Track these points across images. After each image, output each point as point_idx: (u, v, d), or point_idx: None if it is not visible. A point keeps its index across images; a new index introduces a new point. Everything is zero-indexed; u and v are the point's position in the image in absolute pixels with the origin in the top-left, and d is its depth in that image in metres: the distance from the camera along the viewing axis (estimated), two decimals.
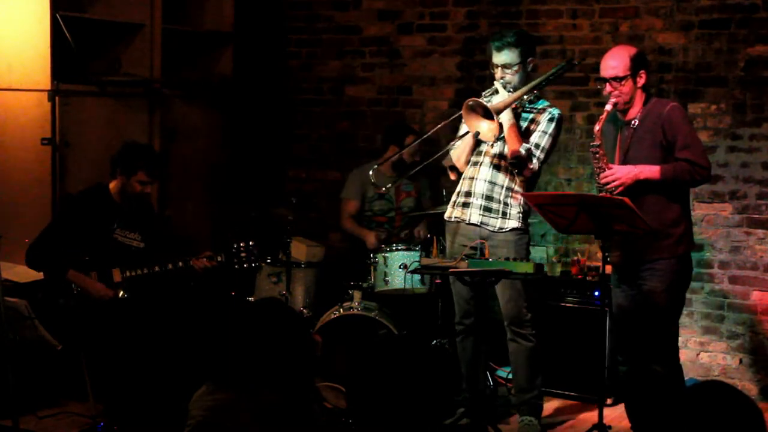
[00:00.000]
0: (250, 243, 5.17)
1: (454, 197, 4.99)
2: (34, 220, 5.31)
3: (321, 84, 6.91)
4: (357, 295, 5.47)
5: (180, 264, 5.07)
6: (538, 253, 6.15)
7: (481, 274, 4.49)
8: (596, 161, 4.51)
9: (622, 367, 4.78)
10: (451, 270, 4.58)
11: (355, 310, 5.36)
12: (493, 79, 4.86)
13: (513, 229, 4.84)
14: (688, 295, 4.98)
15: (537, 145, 4.78)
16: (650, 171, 4.44)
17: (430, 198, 6.16)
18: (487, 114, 4.61)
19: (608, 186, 4.45)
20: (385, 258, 5.38)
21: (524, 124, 4.83)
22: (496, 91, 4.82)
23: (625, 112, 4.57)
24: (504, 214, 4.84)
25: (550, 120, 4.81)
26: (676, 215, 4.51)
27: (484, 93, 4.92)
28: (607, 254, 4.51)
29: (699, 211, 5.74)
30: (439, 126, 4.99)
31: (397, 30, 6.63)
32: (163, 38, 6.06)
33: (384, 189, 5.54)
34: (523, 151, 4.70)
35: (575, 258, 5.99)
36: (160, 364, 4.90)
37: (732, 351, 5.74)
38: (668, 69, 5.82)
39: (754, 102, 5.63)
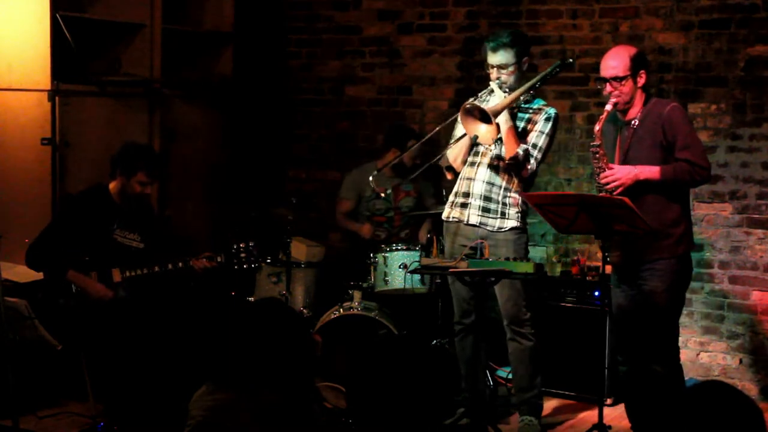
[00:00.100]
0: (250, 243, 5.17)
1: (451, 197, 4.99)
2: (34, 220, 5.31)
3: (321, 84, 6.91)
4: (357, 295, 5.47)
5: (180, 264, 5.07)
6: (538, 253, 6.15)
7: (481, 274, 4.49)
8: (596, 161, 4.51)
9: (622, 367, 4.79)
10: (451, 270, 4.58)
11: (355, 310, 5.36)
12: (489, 79, 4.86)
13: (512, 229, 4.84)
14: (688, 295, 4.98)
15: (534, 145, 4.78)
16: (650, 171, 4.44)
17: (432, 195, 6.16)
18: (485, 117, 4.60)
19: (608, 186, 4.45)
20: (385, 258, 5.39)
21: (521, 124, 4.83)
22: (492, 92, 4.82)
23: (625, 112, 4.57)
24: (503, 214, 4.84)
25: (547, 119, 4.81)
26: (676, 215, 4.51)
27: (480, 94, 4.92)
28: (607, 254, 4.51)
29: (699, 211, 5.74)
30: (439, 128, 4.99)
31: (397, 30, 6.63)
32: (163, 38, 6.06)
33: (383, 194, 5.53)
34: (521, 152, 4.71)
35: (575, 258, 5.99)
36: (160, 364, 4.90)
37: (732, 351, 5.74)
38: (668, 69, 5.82)
39: (754, 102, 5.63)
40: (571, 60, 4.91)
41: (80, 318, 4.89)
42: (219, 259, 5.14)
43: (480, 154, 4.88)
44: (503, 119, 4.70)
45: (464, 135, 4.78)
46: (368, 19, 6.72)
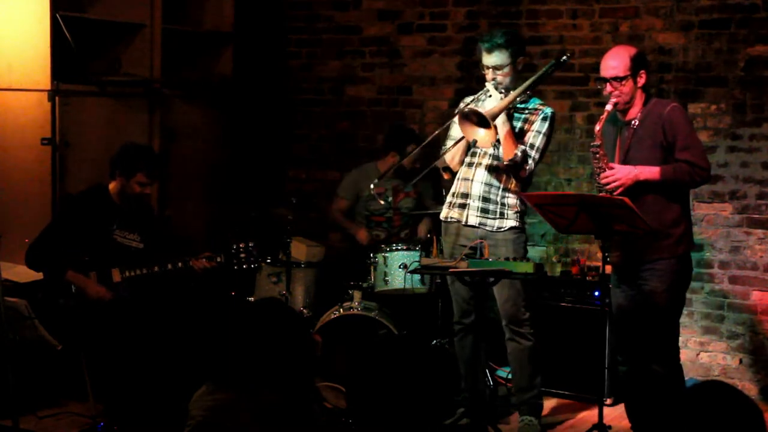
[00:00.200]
0: (250, 244, 5.17)
1: (449, 198, 4.99)
2: (34, 220, 5.31)
3: (321, 84, 6.91)
4: (357, 295, 5.47)
5: (179, 264, 5.07)
6: (538, 253, 6.16)
7: (480, 274, 4.49)
8: (596, 161, 4.51)
9: (622, 367, 4.78)
10: (451, 270, 4.58)
11: (355, 310, 5.36)
12: (485, 79, 4.86)
13: (511, 229, 4.84)
14: (688, 295, 4.97)
15: (532, 146, 4.78)
16: (650, 172, 4.44)
17: (432, 196, 6.16)
18: (483, 121, 4.60)
19: (608, 187, 4.45)
20: (385, 258, 5.38)
21: (518, 125, 4.83)
22: (489, 93, 4.81)
23: (625, 112, 4.57)
24: (501, 214, 4.84)
25: (544, 119, 4.81)
26: (676, 215, 4.51)
27: (476, 96, 4.91)
28: (606, 254, 4.51)
29: (699, 211, 5.74)
30: (439, 131, 4.98)
31: (397, 30, 6.63)
32: (163, 38, 6.06)
33: (382, 202, 5.52)
34: (519, 154, 4.71)
35: (575, 258, 5.99)
36: (160, 364, 4.90)
37: (732, 351, 5.74)
38: (668, 69, 5.82)
39: (754, 102, 5.63)
40: (565, 57, 4.85)
41: (80, 318, 4.89)
42: (219, 259, 5.14)
43: (477, 155, 4.88)
44: (501, 121, 4.69)
45: (462, 138, 4.78)
46: (368, 19, 6.72)
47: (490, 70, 4.78)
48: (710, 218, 5.77)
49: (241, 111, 6.75)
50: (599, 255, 5.13)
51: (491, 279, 4.55)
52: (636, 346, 4.65)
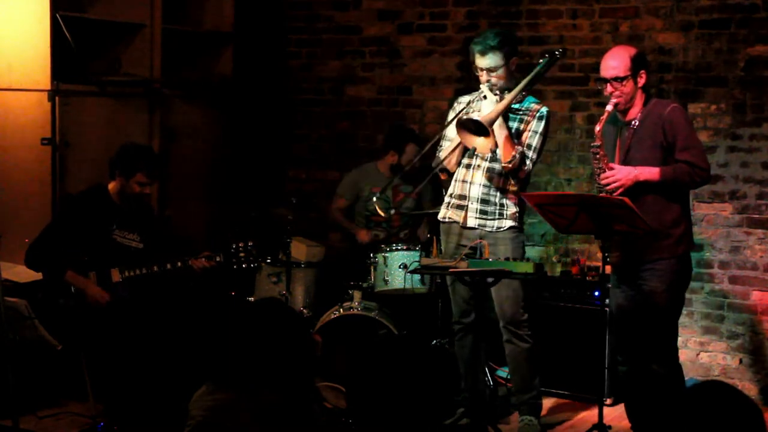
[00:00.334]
0: (249, 243, 5.17)
1: (447, 198, 4.99)
2: (34, 220, 5.31)
3: (321, 84, 6.91)
4: (357, 295, 5.48)
5: (179, 264, 5.07)
6: (538, 253, 6.16)
7: (480, 274, 4.49)
8: (597, 162, 4.51)
9: (622, 367, 4.78)
10: (451, 270, 4.58)
11: (355, 310, 5.36)
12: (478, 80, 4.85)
13: (510, 228, 4.84)
14: (688, 295, 4.98)
15: (529, 146, 4.78)
16: (650, 172, 4.44)
17: (430, 201, 6.16)
18: (481, 129, 4.59)
19: (608, 187, 4.45)
20: (385, 258, 5.38)
21: (514, 125, 4.83)
22: (484, 96, 4.81)
23: (625, 112, 4.57)
24: (500, 214, 4.84)
25: (540, 119, 4.81)
26: (676, 215, 4.51)
27: (471, 98, 4.91)
28: (606, 254, 4.51)
29: (699, 211, 5.74)
30: (438, 137, 4.98)
31: (397, 30, 6.63)
32: (163, 38, 6.06)
33: (383, 214, 5.50)
34: (517, 156, 4.71)
35: (575, 258, 5.99)
36: (159, 364, 4.90)
37: (732, 351, 5.74)
38: (668, 69, 5.82)
39: (754, 102, 5.63)
40: (558, 52, 4.80)
41: (80, 318, 4.89)
42: (218, 259, 5.13)
43: (475, 156, 4.87)
44: (498, 125, 4.69)
45: (460, 142, 4.78)
46: (368, 19, 6.72)
47: (484, 72, 4.77)
48: (710, 218, 5.77)
49: (241, 111, 6.75)
50: (599, 255, 5.13)
51: (491, 279, 4.55)
52: (636, 346, 4.65)
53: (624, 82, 4.48)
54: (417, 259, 4.97)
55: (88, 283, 4.96)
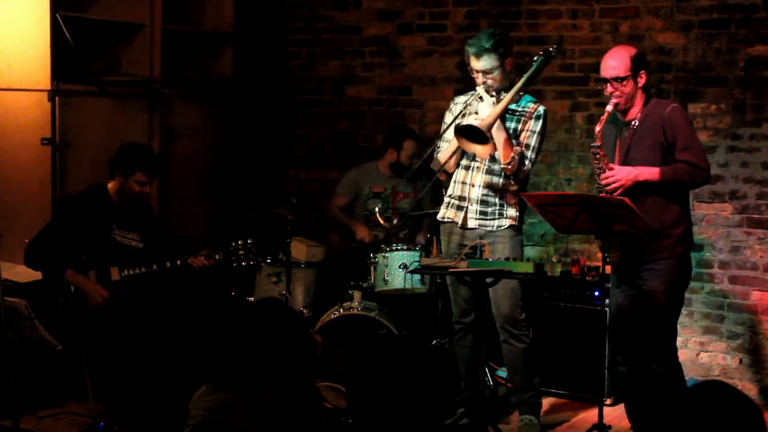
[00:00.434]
0: (248, 241, 5.16)
1: (447, 198, 5.00)
2: (34, 220, 5.31)
3: (321, 84, 6.91)
4: (357, 295, 5.47)
5: (178, 262, 5.07)
6: (538, 253, 6.16)
7: (480, 274, 4.49)
8: (597, 162, 4.51)
9: (622, 367, 4.78)
10: (450, 270, 4.58)
11: (355, 310, 5.36)
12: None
13: (509, 227, 4.84)
14: (688, 295, 4.97)
15: (528, 146, 4.79)
16: (650, 173, 4.44)
17: (430, 201, 6.16)
18: (480, 135, 4.58)
19: (608, 188, 4.45)
20: (385, 258, 5.38)
21: (512, 125, 4.83)
22: (480, 98, 4.81)
23: (625, 112, 4.57)
24: (500, 214, 4.85)
25: (537, 118, 4.81)
26: (676, 215, 4.51)
27: (467, 99, 4.90)
28: (606, 254, 4.51)
29: (699, 211, 5.74)
30: (438, 142, 4.97)
31: (397, 30, 6.63)
32: (163, 38, 6.06)
33: (387, 225, 5.49)
34: (516, 157, 4.71)
35: (575, 258, 5.99)
36: (160, 364, 4.90)
37: (732, 351, 5.74)
38: (668, 69, 5.82)
39: (754, 102, 5.63)
40: (552, 49, 4.77)
41: (80, 318, 4.89)
42: (217, 257, 5.12)
43: (474, 157, 4.87)
44: (496, 128, 4.68)
45: (459, 147, 4.78)
46: (368, 19, 6.72)
47: (480, 73, 4.77)
48: (710, 218, 5.77)
49: (241, 111, 6.75)
50: (599, 255, 5.13)
51: (490, 279, 4.55)
52: (636, 346, 4.65)
53: (624, 82, 4.48)
54: (417, 259, 4.96)
55: (87, 281, 4.96)
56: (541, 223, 5.87)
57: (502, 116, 4.74)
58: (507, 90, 4.75)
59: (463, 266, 4.55)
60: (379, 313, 5.34)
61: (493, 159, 4.81)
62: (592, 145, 4.51)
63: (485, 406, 5.11)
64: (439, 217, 5.02)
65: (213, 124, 6.58)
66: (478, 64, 4.75)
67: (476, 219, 4.86)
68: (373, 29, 6.71)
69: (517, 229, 4.88)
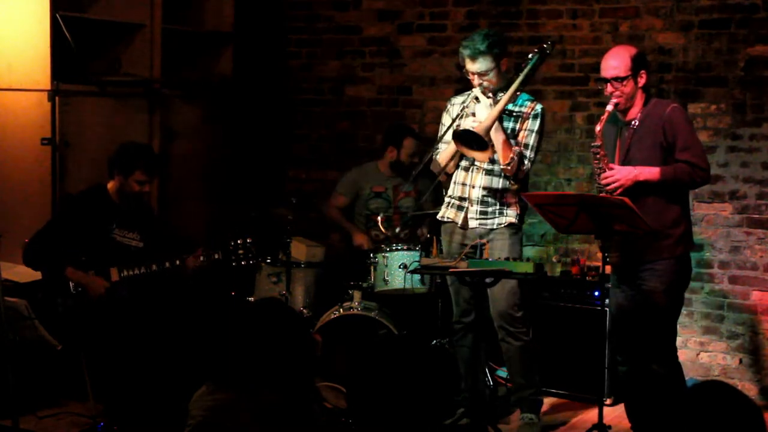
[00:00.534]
0: (248, 240, 5.16)
1: (447, 198, 5.00)
2: (34, 220, 5.30)
3: (321, 84, 6.91)
4: (357, 295, 5.47)
5: (177, 262, 5.06)
6: (538, 253, 6.16)
7: (480, 274, 4.49)
8: (597, 161, 4.51)
9: (622, 367, 4.79)
10: (451, 270, 4.58)
11: (355, 310, 5.36)
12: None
13: (509, 225, 4.85)
14: (687, 295, 4.97)
15: (526, 145, 4.79)
16: (650, 172, 4.44)
17: (431, 201, 6.16)
18: (479, 140, 4.58)
19: (608, 188, 4.45)
20: (385, 258, 5.38)
21: (510, 125, 4.82)
22: (477, 100, 4.80)
23: (625, 112, 4.57)
24: (501, 213, 4.86)
25: (535, 117, 4.81)
26: (676, 216, 4.51)
27: (464, 99, 4.90)
28: (606, 254, 4.51)
29: (699, 211, 5.74)
30: (438, 144, 4.98)
31: (397, 30, 6.63)
32: (163, 38, 6.05)
33: (392, 233, 5.49)
34: (515, 158, 4.71)
35: (575, 258, 5.99)
36: (160, 364, 4.90)
37: (732, 351, 5.74)
38: (668, 69, 5.82)
39: (754, 102, 5.63)
40: (547, 45, 4.76)
41: (80, 318, 4.89)
42: (216, 256, 5.12)
43: (474, 159, 4.87)
44: (494, 129, 4.68)
45: (458, 151, 4.79)
46: (368, 19, 6.72)
47: (476, 75, 4.77)
48: (710, 218, 5.77)
49: (241, 111, 6.75)
50: (599, 255, 5.13)
51: (490, 279, 4.56)
52: (636, 346, 4.65)
53: (624, 82, 4.48)
54: (417, 259, 4.97)
55: (86, 275, 4.95)
56: (541, 223, 5.87)
57: (500, 117, 4.74)
58: (504, 90, 4.75)
59: (463, 266, 4.55)
60: (379, 313, 5.34)
61: (492, 160, 4.81)
62: (592, 144, 4.51)
63: (485, 406, 5.11)
64: (439, 216, 5.03)
65: (213, 124, 6.58)
66: (474, 66, 4.74)
67: (477, 219, 4.87)
68: (373, 29, 6.71)
69: (516, 227, 4.88)
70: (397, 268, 5.33)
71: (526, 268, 4.49)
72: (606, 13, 5.98)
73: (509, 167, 4.73)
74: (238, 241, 5.14)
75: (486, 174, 4.85)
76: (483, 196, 4.85)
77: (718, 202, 5.74)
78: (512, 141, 4.78)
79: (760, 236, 5.65)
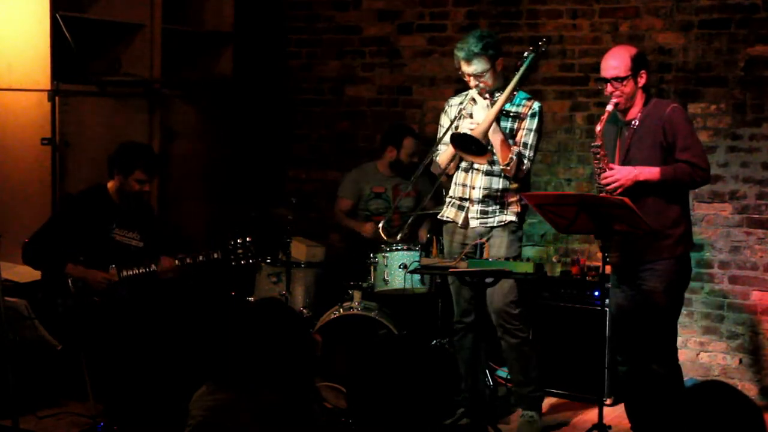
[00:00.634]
0: (247, 239, 5.16)
1: (448, 198, 5.01)
2: (34, 220, 5.30)
3: (321, 84, 6.91)
4: (357, 295, 5.47)
5: (176, 262, 5.06)
6: (538, 253, 6.16)
7: (480, 274, 4.49)
8: (597, 161, 4.51)
9: (622, 367, 4.79)
10: (451, 270, 4.59)
11: (355, 310, 5.36)
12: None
13: (510, 223, 4.85)
14: (687, 295, 4.97)
15: (525, 144, 4.79)
16: (650, 172, 4.44)
17: (431, 201, 6.16)
18: (477, 144, 4.58)
19: (608, 188, 4.45)
20: (385, 258, 5.38)
21: (508, 125, 4.82)
22: (474, 101, 4.80)
23: (625, 112, 4.57)
24: (501, 212, 4.86)
25: (533, 116, 4.81)
26: (676, 216, 4.51)
27: (461, 101, 4.90)
28: (606, 254, 4.51)
29: (699, 211, 5.74)
30: (436, 145, 4.98)
31: (397, 30, 6.63)
32: (163, 38, 6.05)
33: (393, 239, 5.49)
34: (514, 158, 4.71)
35: (575, 258, 5.99)
36: (160, 364, 4.90)
37: (732, 351, 5.74)
38: (668, 69, 5.82)
39: (754, 102, 5.63)
40: (542, 43, 4.75)
41: (80, 318, 4.89)
42: (215, 256, 5.12)
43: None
44: (492, 130, 4.68)
45: (456, 155, 4.79)
46: (368, 19, 6.72)
47: (472, 77, 4.77)
48: (710, 218, 5.77)
49: (241, 111, 6.75)
50: (599, 255, 5.13)
51: (490, 279, 4.56)
52: (636, 346, 4.65)
53: (624, 82, 4.48)
54: (417, 259, 4.97)
55: (87, 270, 4.94)
56: (541, 223, 5.87)
57: (498, 117, 4.74)
58: (501, 90, 4.75)
59: (463, 266, 4.55)
60: (379, 313, 5.34)
61: (492, 161, 4.81)
62: (592, 144, 4.51)
63: (485, 406, 5.11)
64: (440, 216, 5.03)
65: (213, 124, 6.58)
66: (469, 68, 4.74)
67: (477, 218, 4.87)
68: (373, 29, 6.71)
69: (517, 225, 4.89)
70: (397, 268, 5.33)
71: (526, 268, 4.49)
72: (606, 13, 5.98)
73: (509, 167, 4.73)
74: (238, 241, 5.14)
75: (486, 175, 4.85)
76: (483, 196, 4.85)
77: (718, 202, 5.74)
78: (511, 141, 4.78)
79: (760, 236, 5.65)
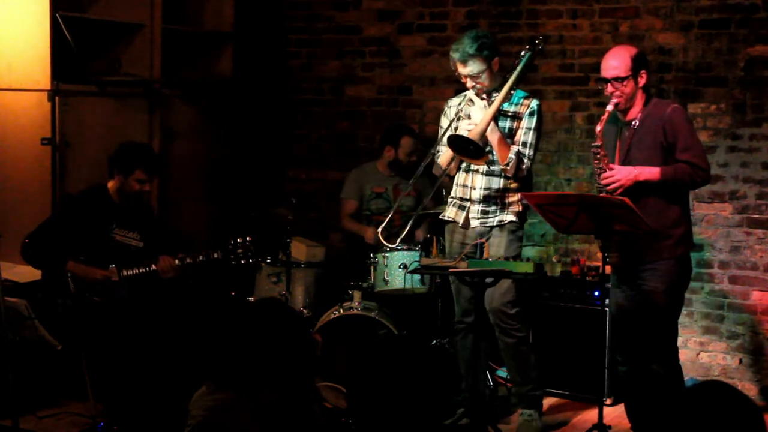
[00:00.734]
0: (247, 239, 5.16)
1: (450, 198, 5.02)
2: (34, 220, 5.30)
3: (321, 84, 6.91)
4: (357, 295, 5.47)
5: (176, 262, 5.05)
6: (538, 253, 6.16)
7: (480, 274, 4.49)
8: (597, 162, 4.51)
9: (622, 367, 4.79)
10: (451, 270, 4.59)
11: (355, 310, 5.36)
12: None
13: (510, 222, 4.85)
14: (688, 295, 4.97)
15: (524, 143, 4.79)
16: (650, 172, 4.44)
17: (431, 200, 6.16)
18: (475, 146, 4.58)
19: (608, 188, 4.45)
20: (385, 258, 5.38)
21: (507, 125, 4.82)
22: (471, 102, 4.80)
23: (625, 112, 4.57)
24: (502, 212, 4.86)
25: (531, 114, 4.81)
26: (676, 216, 4.51)
27: (460, 102, 4.90)
28: (606, 254, 4.51)
29: (699, 211, 5.74)
30: (436, 146, 4.98)
31: (397, 30, 6.63)
32: (163, 38, 6.05)
33: (389, 247, 5.48)
34: (513, 157, 4.71)
35: (575, 258, 5.99)
36: (160, 364, 4.90)
37: (732, 351, 5.74)
38: (668, 69, 5.82)
39: (754, 102, 5.63)
40: (538, 41, 4.73)
41: (80, 318, 4.89)
42: (215, 255, 5.12)
43: None
44: (490, 130, 4.68)
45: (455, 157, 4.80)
46: (368, 19, 6.72)
47: (468, 78, 4.76)
48: (710, 218, 5.77)
49: (241, 111, 6.75)
50: (599, 255, 5.13)
51: (490, 279, 4.56)
52: (636, 346, 4.65)
53: (624, 82, 4.48)
54: (417, 259, 4.97)
55: (87, 268, 4.94)
56: (541, 223, 5.87)
57: (495, 117, 4.73)
58: (497, 90, 4.74)
59: (463, 266, 4.55)
60: (379, 313, 5.34)
61: (492, 161, 4.81)
62: (592, 144, 4.51)
63: (485, 406, 5.11)
64: (441, 216, 5.03)
65: (213, 124, 6.58)
66: (465, 69, 4.73)
67: (478, 218, 4.87)
68: (373, 29, 6.71)
69: (517, 225, 4.89)
70: (397, 268, 5.33)
71: (526, 268, 4.49)
72: (606, 13, 5.98)
73: (509, 167, 4.73)
74: (238, 241, 5.14)
75: (486, 175, 4.85)
76: (484, 196, 4.85)
77: (718, 202, 5.74)
78: (509, 140, 4.77)
79: (760, 236, 5.65)
